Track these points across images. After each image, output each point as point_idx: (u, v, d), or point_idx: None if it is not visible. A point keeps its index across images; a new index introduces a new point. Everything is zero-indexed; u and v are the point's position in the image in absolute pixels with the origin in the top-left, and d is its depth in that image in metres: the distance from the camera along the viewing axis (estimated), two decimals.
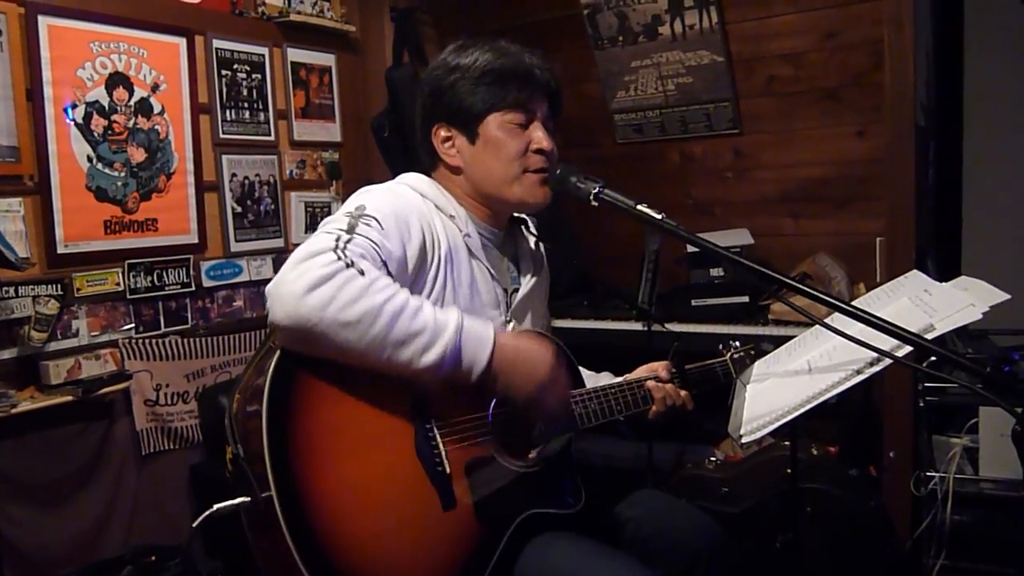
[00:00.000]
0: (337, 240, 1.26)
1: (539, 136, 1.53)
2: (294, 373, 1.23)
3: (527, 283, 1.64)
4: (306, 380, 1.24)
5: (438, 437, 1.34)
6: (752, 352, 1.81)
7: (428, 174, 1.60)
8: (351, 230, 1.30)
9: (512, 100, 1.51)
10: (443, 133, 1.55)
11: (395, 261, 1.34)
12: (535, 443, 1.50)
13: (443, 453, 1.34)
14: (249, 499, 1.20)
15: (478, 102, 1.51)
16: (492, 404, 1.43)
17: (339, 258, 1.22)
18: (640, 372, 1.71)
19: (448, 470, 1.33)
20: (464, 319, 1.31)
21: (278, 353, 1.23)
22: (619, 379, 1.69)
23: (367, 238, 1.30)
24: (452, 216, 1.52)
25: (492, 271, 1.56)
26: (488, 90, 1.51)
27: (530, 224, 1.75)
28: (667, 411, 1.67)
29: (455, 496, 1.33)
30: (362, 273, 1.22)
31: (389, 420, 1.30)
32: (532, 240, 1.72)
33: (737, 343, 1.84)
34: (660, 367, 1.71)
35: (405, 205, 1.43)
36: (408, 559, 1.26)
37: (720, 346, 1.83)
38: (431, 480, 1.30)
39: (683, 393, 1.70)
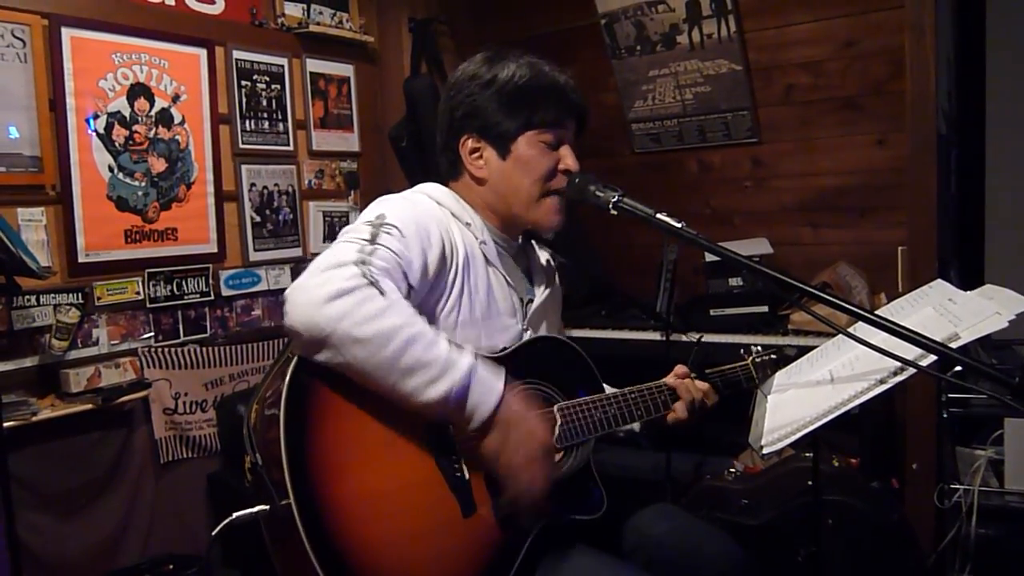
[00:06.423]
0: (360, 251, 1.26)
1: (567, 157, 1.54)
2: (311, 381, 1.23)
3: (541, 293, 1.63)
4: (323, 388, 1.24)
5: (456, 443, 1.33)
6: (774, 357, 1.77)
7: (447, 182, 1.60)
8: (373, 239, 1.30)
9: (546, 120, 1.52)
10: (472, 144, 1.55)
11: (415, 270, 1.34)
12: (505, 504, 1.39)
13: (462, 459, 1.33)
14: (268, 507, 1.19)
15: (513, 120, 1.51)
16: None
17: (363, 273, 1.21)
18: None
19: (467, 476, 1.32)
20: (478, 363, 1.27)
21: (295, 361, 1.23)
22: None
23: (388, 248, 1.30)
24: (468, 224, 1.52)
25: (508, 279, 1.55)
26: (524, 108, 1.51)
27: (538, 243, 1.73)
28: (690, 408, 1.61)
29: (475, 502, 1.31)
30: (383, 293, 1.22)
31: (407, 427, 1.28)
32: (543, 256, 1.72)
33: (759, 347, 1.79)
34: (677, 370, 1.66)
35: (424, 213, 1.43)
36: (428, 565, 1.25)
37: (742, 351, 1.79)
38: (450, 486, 1.29)
39: (704, 385, 1.64)
